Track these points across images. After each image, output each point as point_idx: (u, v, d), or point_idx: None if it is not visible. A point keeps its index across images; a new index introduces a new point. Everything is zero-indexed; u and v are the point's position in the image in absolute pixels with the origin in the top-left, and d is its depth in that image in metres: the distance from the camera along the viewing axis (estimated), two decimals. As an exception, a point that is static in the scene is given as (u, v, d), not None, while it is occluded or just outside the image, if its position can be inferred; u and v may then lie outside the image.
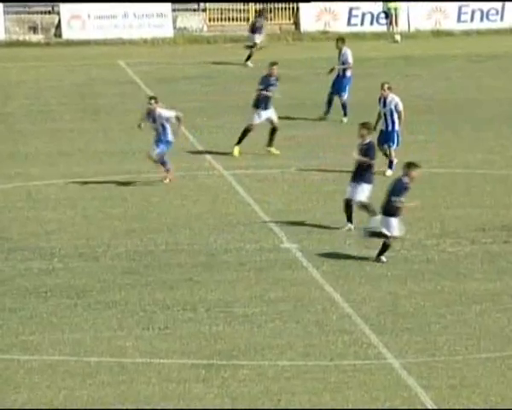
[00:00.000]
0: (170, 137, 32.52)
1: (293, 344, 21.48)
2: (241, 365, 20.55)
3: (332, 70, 42.12)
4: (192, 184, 32.81)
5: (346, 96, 41.40)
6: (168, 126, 32.37)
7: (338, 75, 42.09)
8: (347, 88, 41.69)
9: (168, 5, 58.72)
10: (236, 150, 36.37)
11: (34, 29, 58.28)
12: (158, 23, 58.53)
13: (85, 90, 44.97)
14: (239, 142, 36.58)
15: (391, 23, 57.31)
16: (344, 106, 41.61)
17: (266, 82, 37.88)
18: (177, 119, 32.02)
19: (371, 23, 58.46)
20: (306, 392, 19.38)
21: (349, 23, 58.86)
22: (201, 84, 47.38)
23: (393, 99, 33.85)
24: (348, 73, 42.03)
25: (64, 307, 23.70)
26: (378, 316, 22.76)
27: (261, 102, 37.29)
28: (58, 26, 58.10)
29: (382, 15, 58.18)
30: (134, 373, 20.38)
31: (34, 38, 57.88)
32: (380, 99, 34.75)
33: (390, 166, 33.07)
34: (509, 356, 20.80)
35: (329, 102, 41.78)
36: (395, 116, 33.58)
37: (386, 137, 33.69)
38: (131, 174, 31.57)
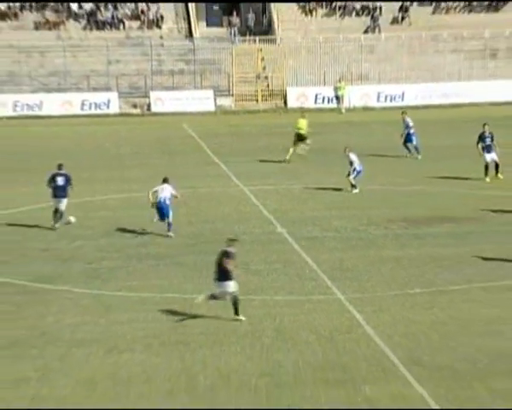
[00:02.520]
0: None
1: (283, 287, 21.64)
2: (253, 299, 20.64)
3: (402, 135, 39.71)
4: (225, 194, 32.82)
5: (414, 141, 39.43)
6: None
7: (408, 133, 39.54)
8: (413, 137, 39.44)
9: (211, 92, 58.59)
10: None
11: (135, 106, 58.30)
12: (205, 102, 58.32)
13: (164, 141, 44.97)
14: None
15: (339, 102, 57.15)
16: (416, 148, 39.45)
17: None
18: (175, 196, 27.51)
19: (328, 102, 58.22)
20: (291, 315, 19.58)
21: (315, 102, 58.59)
22: (231, 138, 47.39)
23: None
24: (412, 131, 39.62)
25: (152, 266, 23.85)
26: (332, 271, 22.83)
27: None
28: (148, 104, 58.14)
29: (334, 98, 58.04)
30: (192, 304, 20.44)
31: (134, 111, 57.90)
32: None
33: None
34: (405, 294, 20.89)
35: (407, 148, 39.55)
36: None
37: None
38: (190, 189, 31.57)
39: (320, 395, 15.25)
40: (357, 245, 25.57)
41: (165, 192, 26.66)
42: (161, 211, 26.66)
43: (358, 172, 32.54)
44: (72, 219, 27.82)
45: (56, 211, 27.72)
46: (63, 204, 27.69)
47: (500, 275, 22.12)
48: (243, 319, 19.17)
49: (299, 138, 39.41)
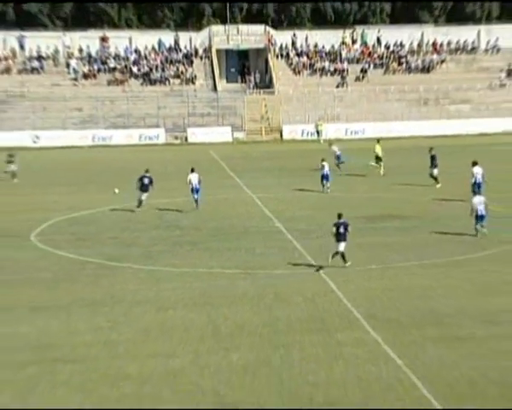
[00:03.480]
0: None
1: (280, 264, 21.55)
2: (259, 272, 20.60)
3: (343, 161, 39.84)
4: (238, 200, 32.69)
5: (342, 159, 39.53)
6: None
7: (338, 156, 39.54)
8: (340, 158, 39.40)
9: (229, 128, 58.62)
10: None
11: (176, 138, 58.31)
12: (225, 135, 58.34)
13: (196, 163, 43.55)
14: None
15: (319, 135, 57.01)
16: (342, 162, 39.38)
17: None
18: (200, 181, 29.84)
19: (311, 135, 58.05)
20: (285, 283, 19.48)
21: (302, 135, 58.51)
22: (243, 160, 47.23)
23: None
24: (338, 153, 39.67)
25: (188, 250, 23.77)
26: (314, 253, 22.59)
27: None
28: (186, 137, 58.22)
29: (315, 132, 57.84)
30: (215, 276, 20.42)
31: (176, 141, 57.90)
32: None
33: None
34: (365, 269, 20.79)
35: (338, 166, 38.98)
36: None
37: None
38: (213, 195, 31.55)
39: (305, 339, 15.27)
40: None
41: (196, 179, 29.40)
42: (196, 191, 29.31)
43: (326, 176, 33.68)
44: (144, 198, 29.68)
45: (140, 201, 29.56)
46: (145, 196, 29.60)
47: (431, 256, 22.10)
48: (350, 263, 20.44)
49: (378, 158, 38.40)
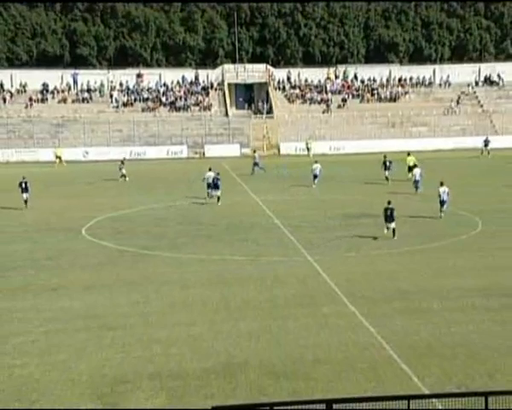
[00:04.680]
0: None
1: (277, 253, 21.38)
2: (260, 259, 20.51)
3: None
4: (245, 202, 32.38)
5: (259, 165, 41.05)
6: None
7: (256, 162, 40.90)
8: (258, 164, 41.22)
9: (238, 145, 58.45)
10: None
11: (196, 153, 58.05)
12: (235, 151, 57.81)
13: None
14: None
15: (308, 151, 56.75)
16: (261, 167, 40.88)
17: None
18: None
19: (302, 151, 57.65)
20: (281, 268, 19.40)
21: (295, 151, 58.07)
22: (249, 170, 46.76)
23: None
24: (257, 160, 41.46)
25: (205, 241, 23.56)
26: (305, 244, 22.52)
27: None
28: (204, 152, 58.01)
29: (306, 149, 57.43)
30: (227, 262, 20.34)
31: (196, 156, 57.54)
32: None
33: None
34: (345, 256, 20.69)
35: (253, 169, 39.19)
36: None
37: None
38: (225, 199, 31.32)
39: (297, 311, 15.24)
40: (320, 230, 25.12)
41: (211, 177, 30.26)
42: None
43: (316, 176, 35.71)
44: (214, 194, 29.95)
45: (212, 196, 30.16)
46: (215, 192, 30.36)
47: (398, 246, 22.00)
48: (396, 238, 21.93)
49: (410, 168, 36.71)
